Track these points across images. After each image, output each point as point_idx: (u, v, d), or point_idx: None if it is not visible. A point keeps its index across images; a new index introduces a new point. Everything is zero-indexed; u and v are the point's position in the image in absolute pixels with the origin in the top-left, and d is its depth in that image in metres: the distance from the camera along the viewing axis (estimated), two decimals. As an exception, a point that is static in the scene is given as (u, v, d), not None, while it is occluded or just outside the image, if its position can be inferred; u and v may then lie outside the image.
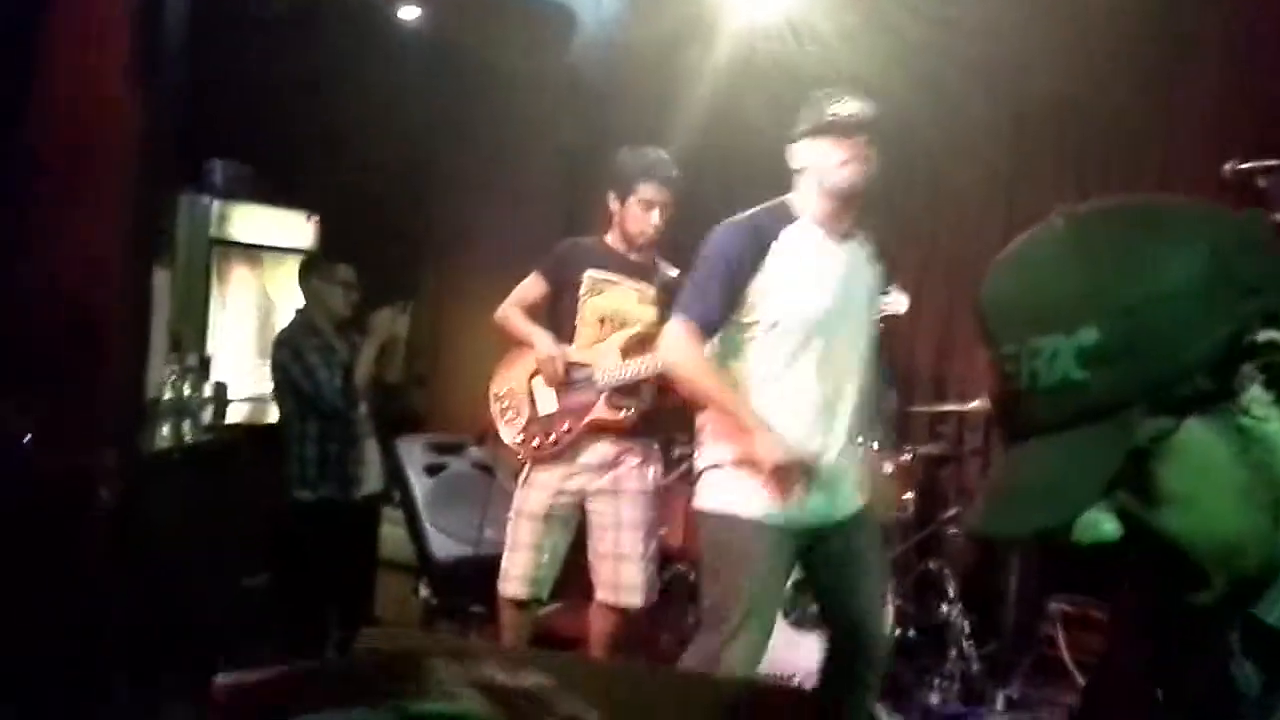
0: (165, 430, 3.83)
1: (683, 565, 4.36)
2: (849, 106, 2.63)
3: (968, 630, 4.14)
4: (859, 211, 2.76)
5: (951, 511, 4.34)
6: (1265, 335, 0.79)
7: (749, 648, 2.64)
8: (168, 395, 3.87)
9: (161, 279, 3.80)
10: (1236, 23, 4.48)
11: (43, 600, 2.92)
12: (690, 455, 4.38)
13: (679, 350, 2.69)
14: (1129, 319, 0.78)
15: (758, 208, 2.78)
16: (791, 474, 2.56)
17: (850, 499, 2.76)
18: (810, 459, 2.61)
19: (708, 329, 2.68)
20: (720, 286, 2.66)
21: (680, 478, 4.42)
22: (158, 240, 3.83)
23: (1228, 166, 2.82)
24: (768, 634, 2.72)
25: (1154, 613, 0.91)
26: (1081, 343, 0.79)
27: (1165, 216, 0.84)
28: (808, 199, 2.71)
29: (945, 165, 4.90)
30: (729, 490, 2.68)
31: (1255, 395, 0.80)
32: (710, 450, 2.76)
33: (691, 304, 2.68)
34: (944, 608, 4.18)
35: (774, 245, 2.67)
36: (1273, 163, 2.80)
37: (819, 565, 2.79)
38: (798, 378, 2.67)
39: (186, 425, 3.91)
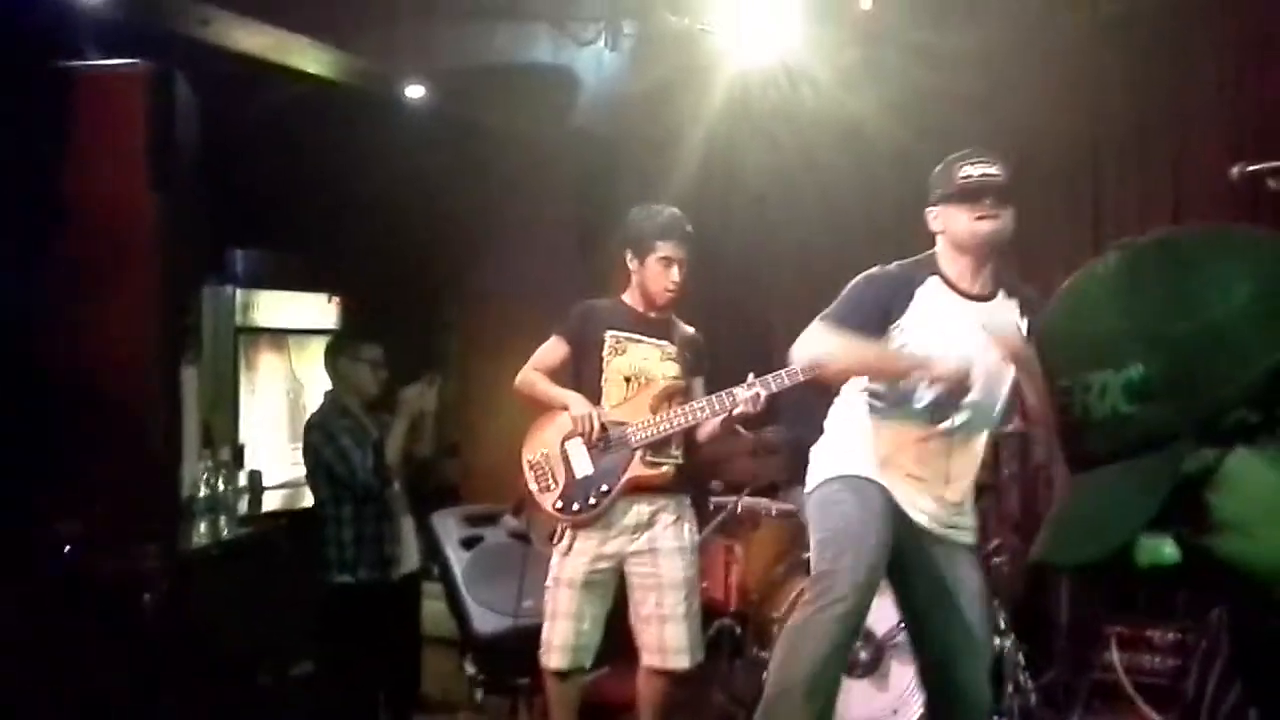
0: (203, 527, 3.85)
1: (728, 619, 4.33)
2: (977, 169, 2.77)
3: (1023, 662, 4.07)
4: (999, 270, 2.88)
5: (995, 542, 4.28)
6: None
7: (850, 618, 2.73)
8: (203, 491, 3.89)
9: (190, 374, 3.84)
10: (1237, 27, 4.49)
11: (93, 706, 2.93)
12: (725, 506, 4.41)
13: (817, 339, 2.83)
14: (1173, 354, 0.79)
15: (906, 260, 2.93)
16: (961, 377, 2.71)
17: (957, 522, 2.90)
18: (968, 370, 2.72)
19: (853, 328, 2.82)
20: (858, 318, 2.80)
21: (717, 529, 4.41)
22: (186, 334, 3.87)
23: (1235, 169, 2.79)
24: (864, 608, 2.78)
25: (1235, 637, 0.92)
26: (1129, 378, 0.80)
27: (1211, 247, 0.84)
28: (944, 258, 2.86)
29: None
30: (852, 458, 2.86)
31: None
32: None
33: (832, 313, 2.84)
34: (997, 640, 4.11)
35: (917, 292, 2.82)
36: (1282, 163, 2.77)
37: (914, 575, 2.89)
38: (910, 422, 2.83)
39: (223, 520, 3.93)
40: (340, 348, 4.31)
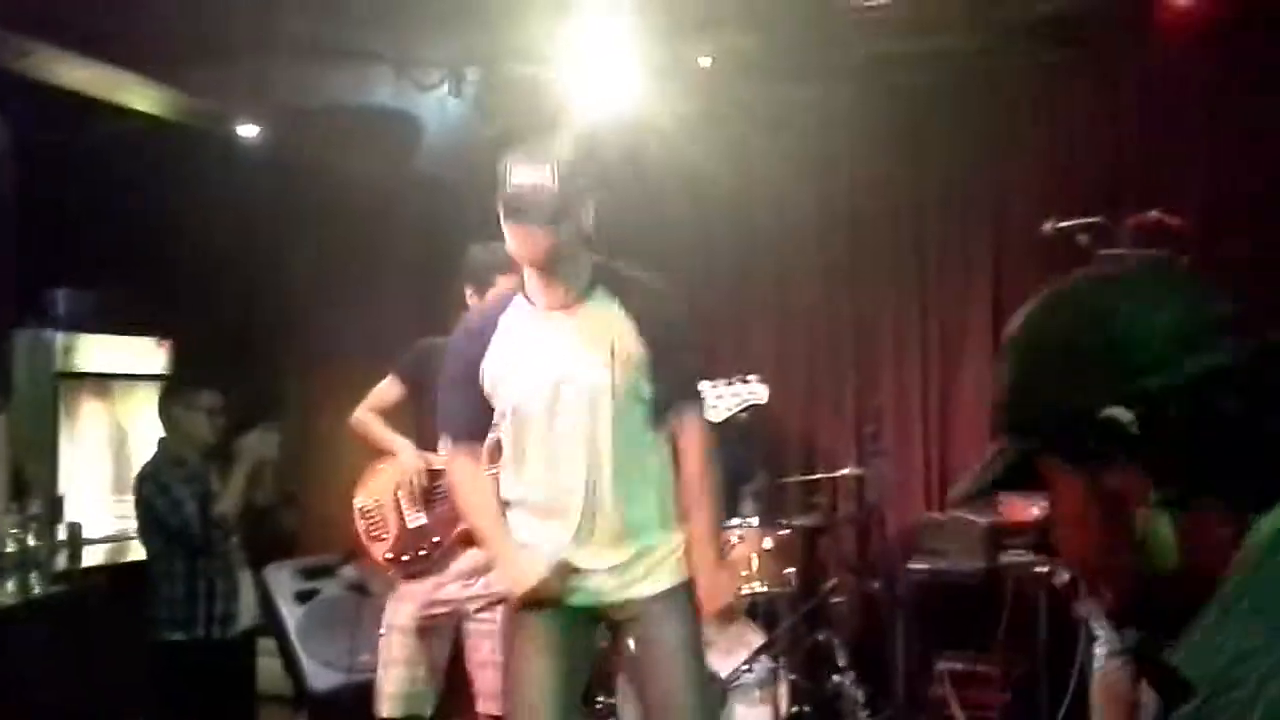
0: (10, 585, 3.61)
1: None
2: (526, 176, 2.46)
3: (861, 700, 4.16)
4: (575, 278, 2.50)
5: (832, 581, 4.38)
6: (1109, 412, 0.91)
7: None
8: (10, 547, 3.66)
9: (-3, 423, 3.63)
10: (1055, 90, 4.80)
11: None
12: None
13: (456, 478, 2.64)
14: (1026, 372, 0.99)
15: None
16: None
17: (636, 582, 2.50)
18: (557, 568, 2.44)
19: (470, 438, 2.57)
20: (459, 392, 2.56)
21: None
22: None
23: (1047, 225, 2.96)
24: None
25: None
26: (1008, 379, 1.01)
27: (1079, 291, 1.02)
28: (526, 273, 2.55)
29: (789, 253, 5.11)
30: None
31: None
32: None
33: (444, 422, 2.60)
34: (835, 678, 4.20)
35: (500, 320, 2.56)
36: (1090, 220, 2.95)
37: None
38: (529, 465, 2.50)
39: (34, 576, 3.70)
40: (175, 394, 4.15)
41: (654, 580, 2.49)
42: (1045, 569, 3.28)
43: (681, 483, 2.53)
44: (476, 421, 2.56)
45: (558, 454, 2.46)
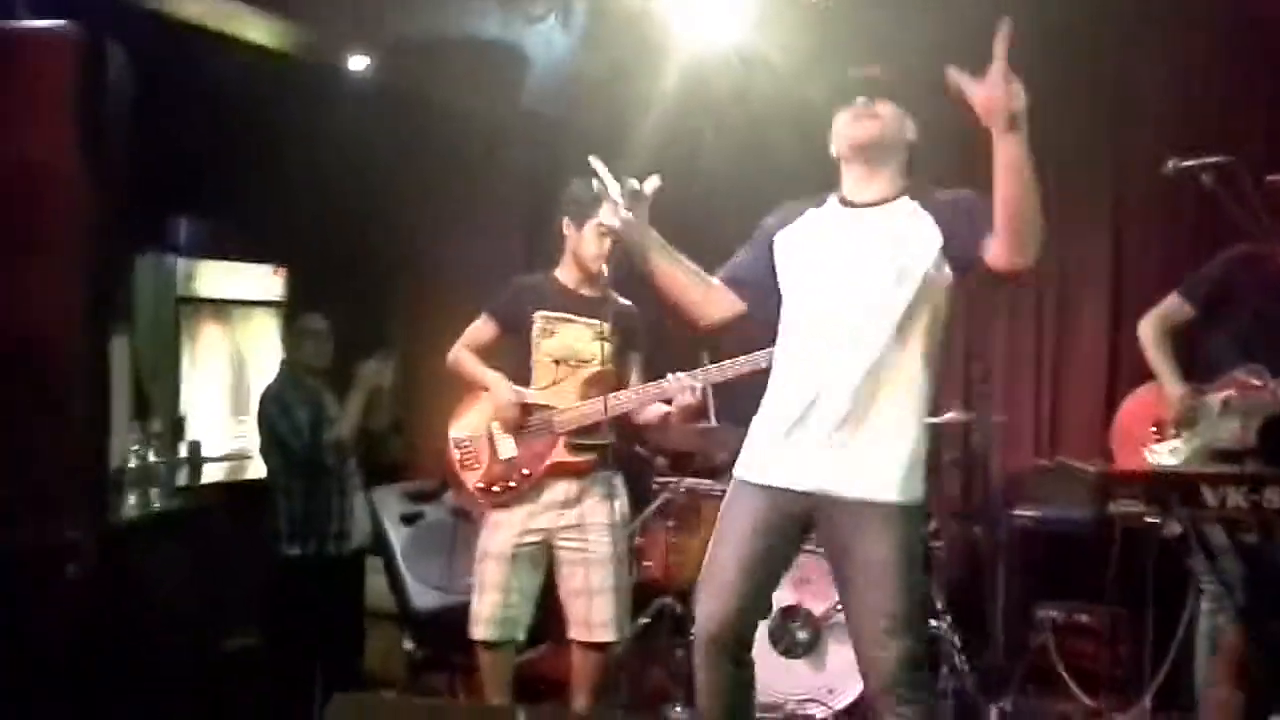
0: (133, 499, 3.80)
1: (669, 598, 4.34)
2: (852, 72, 2.55)
3: (959, 645, 4.11)
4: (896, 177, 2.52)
5: (933, 526, 4.31)
6: None
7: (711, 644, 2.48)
8: (133, 463, 3.85)
9: (121, 344, 3.79)
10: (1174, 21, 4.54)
11: (14, 682, 2.89)
12: (668, 485, 4.42)
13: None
14: None
15: None
16: None
17: (851, 479, 2.41)
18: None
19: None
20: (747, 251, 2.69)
21: (660, 509, 4.42)
22: (115, 304, 3.82)
23: (1170, 164, 2.82)
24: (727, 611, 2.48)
25: None
26: None
27: None
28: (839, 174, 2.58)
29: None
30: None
31: None
32: None
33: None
34: (933, 622, 4.15)
35: (809, 211, 2.60)
36: (1214, 159, 2.80)
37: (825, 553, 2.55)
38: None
39: (155, 492, 3.89)
40: (291, 319, 4.29)
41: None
42: (1156, 520, 3.16)
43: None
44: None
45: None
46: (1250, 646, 3.20)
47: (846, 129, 2.51)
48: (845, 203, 2.55)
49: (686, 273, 2.65)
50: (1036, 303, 4.82)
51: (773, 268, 2.62)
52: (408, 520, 4.39)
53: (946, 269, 2.44)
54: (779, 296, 2.60)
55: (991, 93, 2.19)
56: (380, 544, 4.36)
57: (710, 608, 2.51)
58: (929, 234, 2.43)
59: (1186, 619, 3.54)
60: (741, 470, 2.59)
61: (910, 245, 2.43)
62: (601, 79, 5.22)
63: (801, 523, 2.52)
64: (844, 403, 2.41)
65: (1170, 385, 3.40)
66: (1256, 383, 3.22)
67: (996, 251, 2.34)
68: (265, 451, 4.15)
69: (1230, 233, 3.31)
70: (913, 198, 2.49)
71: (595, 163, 2.59)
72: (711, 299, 2.67)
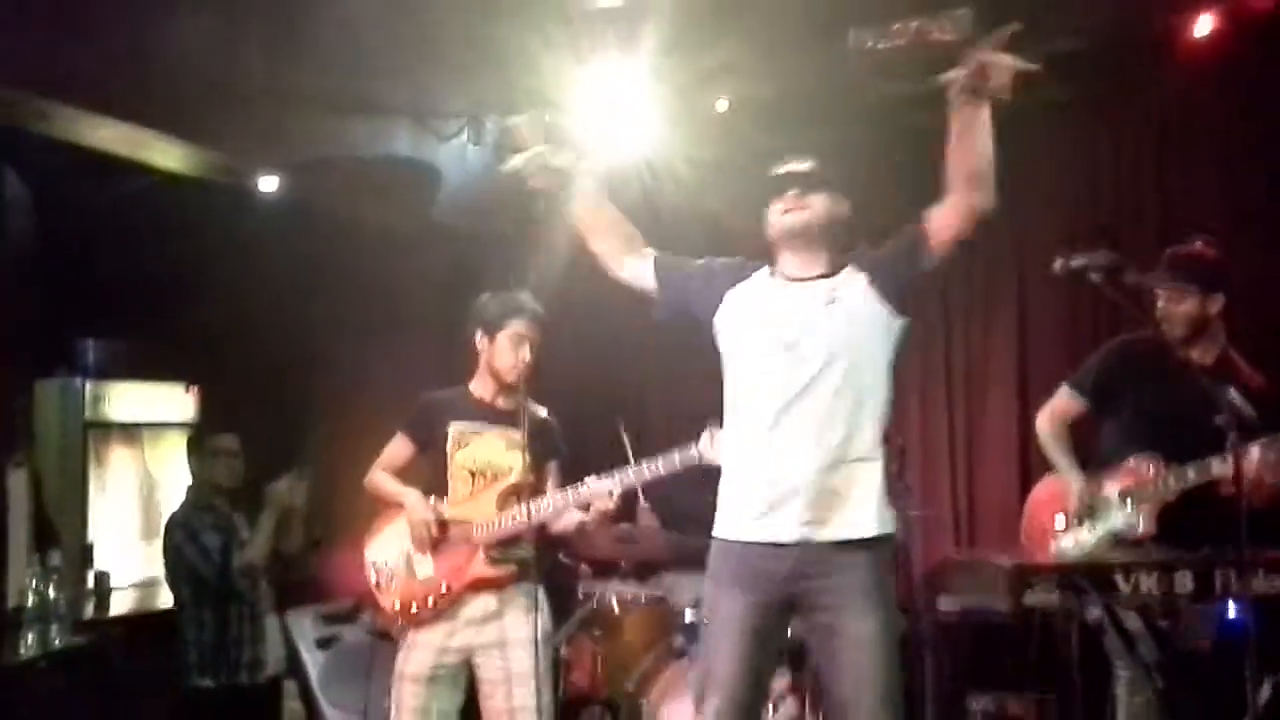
0: (32, 637, 3.64)
1: (597, 706, 4.26)
2: (787, 165, 2.76)
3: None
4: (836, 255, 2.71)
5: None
6: None
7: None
8: (32, 600, 3.70)
9: (19, 476, 3.68)
10: (1070, 127, 4.78)
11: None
12: (594, 595, 4.37)
13: None
14: None
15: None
16: None
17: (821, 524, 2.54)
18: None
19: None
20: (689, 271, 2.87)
21: (584, 618, 4.36)
22: (14, 433, 3.72)
23: (1057, 264, 2.92)
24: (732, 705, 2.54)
25: None
26: None
27: None
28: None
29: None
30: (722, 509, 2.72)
31: None
32: None
33: None
34: None
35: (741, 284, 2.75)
36: (1101, 259, 2.91)
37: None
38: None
39: (55, 629, 3.74)
40: (199, 440, 4.22)
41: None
42: (1072, 608, 3.22)
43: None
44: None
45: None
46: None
47: (778, 218, 2.69)
48: (789, 279, 2.71)
49: (617, 218, 2.91)
50: (947, 394, 4.94)
51: (697, 301, 2.80)
52: (323, 644, 4.28)
53: (897, 323, 2.65)
54: (686, 318, 2.83)
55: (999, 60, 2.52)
56: (295, 669, 4.23)
57: (714, 703, 2.55)
58: (871, 298, 2.64)
59: (1111, 700, 3.58)
60: (718, 564, 2.67)
61: (858, 316, 2.63)
62: (513, 191, 5.30)
63: (787, 605, 2.60)
64: (816, 489, 2.54)
65: (1069, 478, 3.46)
66: (1149, 471, 3.30)
67: (953, 206, 2.70)
68: (173, 579, 4.03)
69: (1128, 320, 3.44)
70: (856, 268, 2.69)
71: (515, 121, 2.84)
72: (634, 259, 2.90)
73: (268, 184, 4.47)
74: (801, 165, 2.76)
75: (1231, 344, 3.41)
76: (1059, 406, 3.58)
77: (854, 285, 2.66)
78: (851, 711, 2.49)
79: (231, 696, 3.90)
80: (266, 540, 3.96)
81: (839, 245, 2.72)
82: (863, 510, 2.55)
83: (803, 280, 2.68)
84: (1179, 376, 3.15)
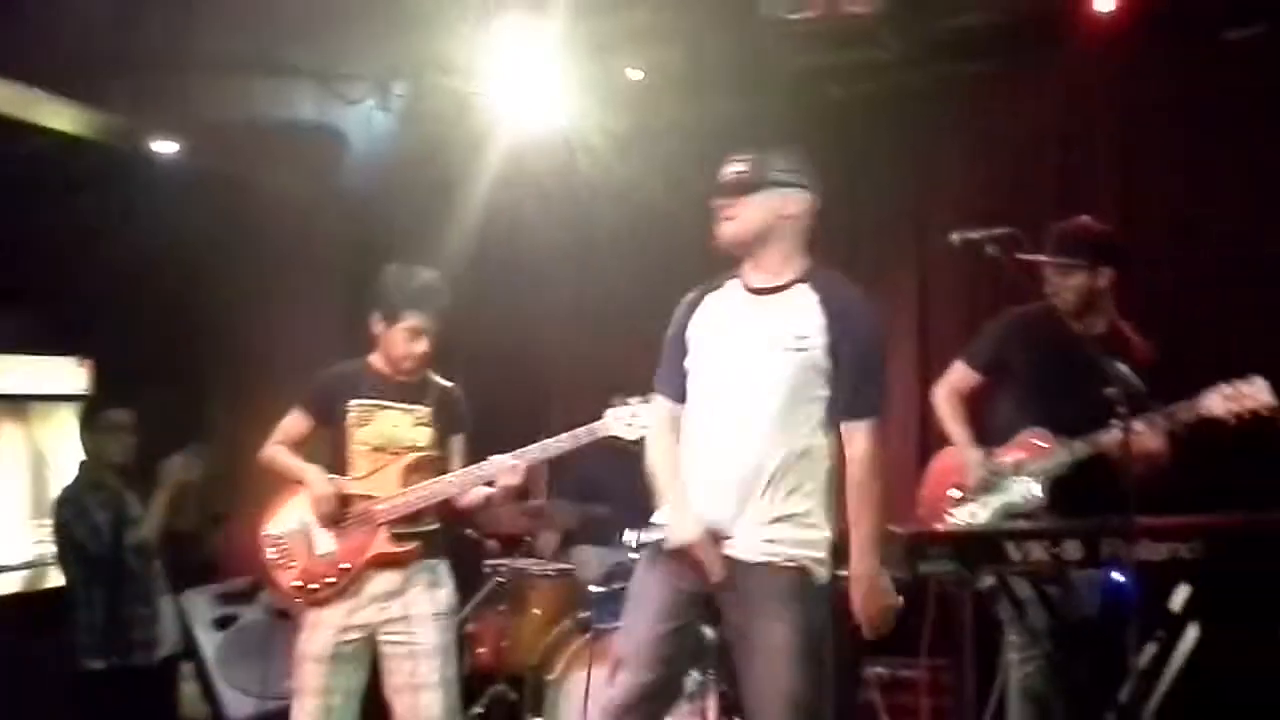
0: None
1: (502, 684, 4.25)
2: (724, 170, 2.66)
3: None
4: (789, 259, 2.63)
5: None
6: None
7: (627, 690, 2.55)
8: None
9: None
10: (977, 102, 4.86)
11: None
12: (498, 568, 4.35)
13: (651, 430, 2.77)
14: None
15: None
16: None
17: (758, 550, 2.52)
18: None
19: (668, 394, 2.74)
20: (668, 353, 2.74)
21: (491, 592, 4.35)
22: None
23: (954, 236, 2.97)
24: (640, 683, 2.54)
25: None
26: None
27: None
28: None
29: (721, 267, 5.09)
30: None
31: None
32: None
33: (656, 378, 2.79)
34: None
35: (701, 304, 2.71)
36: (997, 231, 2.97)
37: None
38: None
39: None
40: (89, 414, 4.08)
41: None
42: (967, 576, 3.30)
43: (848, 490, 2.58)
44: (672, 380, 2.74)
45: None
46: (1055, 693, 3.34)
47: (716, 230, 2.62)
48: (747, 289, 2.65)
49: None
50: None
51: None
52: (221, 624, 4.20)
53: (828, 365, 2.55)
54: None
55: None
56: (191, 650, 4.14)
57: (624, 678, 2.56)
58: (818, 322, 2.56)
59: (1003, 668, 3.68)
60: (654, 548, 2.65)
61: (803, 331, 2.55)
62: (421, 159, 5.22)
63: (706, 603, 2.58)
64: (754, 484, 2.52)
65: (965, 451, 3.54)
66: (1042, 444, 3.38)
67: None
68: (63, 558, 3.91)
69: (1025, 294, 3.51)
70: (812, 287, 2.60)
71: None
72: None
73: (165, 148, 4.33)
74: (732, 167, 2.64)
75: (1121, 316, 3.51)
76: (954, 379, 3.65)
77: (800, 306, 2.58)
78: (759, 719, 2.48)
79: (125, 678, 3.81)
80: (160, 518, 3.86)
81: (795, 248, 2.64)
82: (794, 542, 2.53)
83: (759, 293, 2.62)
84: (1069, 348, 3.23)
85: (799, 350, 2.52)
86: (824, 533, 2.57)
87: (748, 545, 2.52)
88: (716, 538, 2.54)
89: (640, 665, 2.56)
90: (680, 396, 2.70)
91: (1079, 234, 3.47)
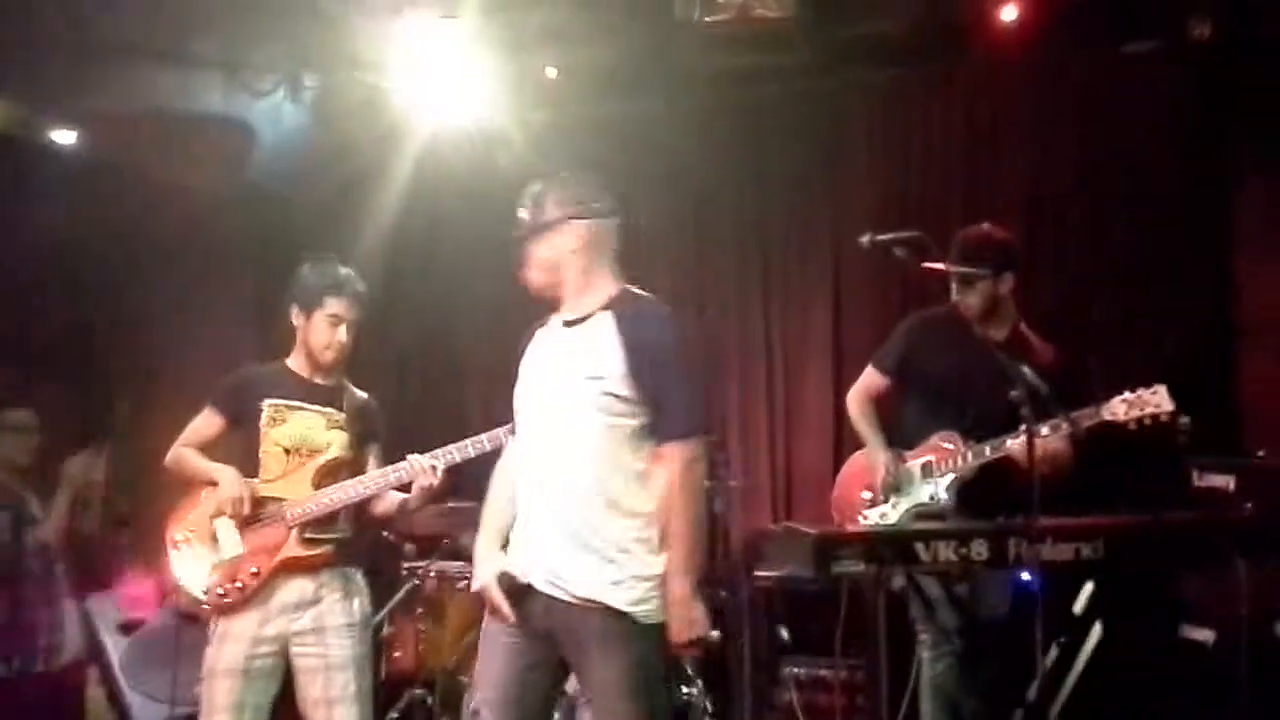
0: None
1: (419, 689, 4.21)
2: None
3: (710, 709, 4.19)
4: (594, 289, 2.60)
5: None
6: None
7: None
8: None
9: None
10: (887, 107, 4.95)
11: None
12: (415, 571, 4.31)
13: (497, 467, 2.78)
14: None
15: None
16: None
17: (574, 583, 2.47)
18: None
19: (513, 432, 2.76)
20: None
21: (408, 596, 4.30)
22: None
23: (864, 239, 3.01)
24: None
25: None
26: None
27: None
28: None
29: (634, 264, 5.10)
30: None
31: None
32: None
33: None
34: (684, 689, 4.22)
35: (533, 340, 2.72)
36: (905, 235, 3.02)
37: None
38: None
39: None
40: None
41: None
42: (878, 575, 3.37)
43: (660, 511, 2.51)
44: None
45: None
46: (965, 691, 3.43)
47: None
48: (563, 322, 2.65)
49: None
50: (766, 367, 5.06)
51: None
52: (126, 629, 4.08)
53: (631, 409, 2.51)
54: None
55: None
56: (97, 655, 4.03)
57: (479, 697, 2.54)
58: (615, 352, 2.52)
59: (916, 665, 3.77)
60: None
61: (601, 361, 2.51)
62: (333, 153, 5.14)
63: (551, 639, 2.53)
64: (576, 522, 2.48)
65: (876, 454, 3.61)
66: (949, 447, 3.47)
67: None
68: (-43, 562, 3.76)
69: (935, 296, 3.59)
70: (612, 314, 2.57)
71: None
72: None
73: (64, 138, 4.18)
74: (519, 215, 2.67)
75: (1026, 320, 3.61)
76: (865, 383, 3.74)
77: (599, 335, 2.55)
78: None
79: (27, 684, 3.68)
80: (61, 519, 3.74)
81: (596, 274, 2.62)
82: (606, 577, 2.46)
83: (569, 325, 2.63)
84: (975, 352, 3.31)
85: (597, 379, 2.50)
86: (652, 569, 2.48)
87: (572, 583, 2.46)
88: (513, 584, 2.49)
89: (491, 691, 2.53)
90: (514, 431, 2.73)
91: (981, 242, 3.54)
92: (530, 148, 4.92)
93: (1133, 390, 3.17)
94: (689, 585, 2.47)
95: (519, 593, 2.51)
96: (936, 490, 3.46)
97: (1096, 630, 3.38)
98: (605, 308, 2.59)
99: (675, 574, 2.47)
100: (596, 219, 2.63)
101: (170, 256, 5.02)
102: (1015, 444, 3.23)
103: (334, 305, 3.16)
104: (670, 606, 2.47)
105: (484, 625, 2.61)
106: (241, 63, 4.66)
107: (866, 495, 3.59)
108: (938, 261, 3.24)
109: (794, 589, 4.35)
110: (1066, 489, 3.11)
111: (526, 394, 2.65)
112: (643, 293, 2.65)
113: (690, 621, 2.47)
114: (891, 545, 3.00)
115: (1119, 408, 3.17)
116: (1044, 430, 3.15)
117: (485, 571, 2.58)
